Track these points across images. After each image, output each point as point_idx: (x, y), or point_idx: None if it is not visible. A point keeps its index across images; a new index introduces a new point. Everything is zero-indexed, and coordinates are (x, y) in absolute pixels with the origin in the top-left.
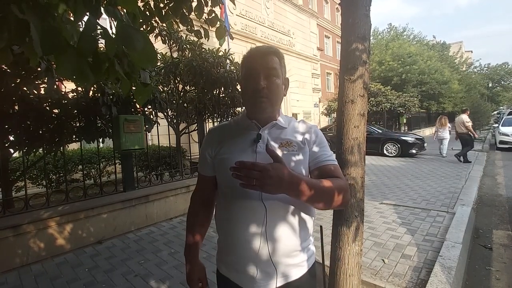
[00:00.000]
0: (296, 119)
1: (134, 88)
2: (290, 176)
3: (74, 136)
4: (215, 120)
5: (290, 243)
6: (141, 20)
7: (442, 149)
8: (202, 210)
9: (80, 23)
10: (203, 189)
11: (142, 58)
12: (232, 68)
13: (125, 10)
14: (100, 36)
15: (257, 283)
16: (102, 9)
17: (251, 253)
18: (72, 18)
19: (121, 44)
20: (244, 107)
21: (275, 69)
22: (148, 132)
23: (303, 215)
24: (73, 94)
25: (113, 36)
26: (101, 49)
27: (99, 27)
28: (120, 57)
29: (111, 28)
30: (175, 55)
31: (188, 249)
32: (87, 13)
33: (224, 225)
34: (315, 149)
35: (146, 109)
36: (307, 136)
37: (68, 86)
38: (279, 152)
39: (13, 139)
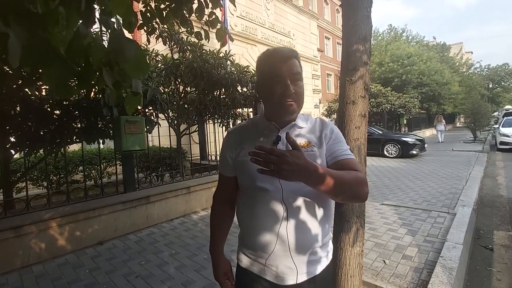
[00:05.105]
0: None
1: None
2: (306, 163)
3: (75, 137)
4: (215, 121)
5: (310, 240)
6: (141, 22)
7: (439, 138)
8: (225, 208)
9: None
10: (225, 188)
11: (133, 67)
12: (232, 69)
13: (121, 19)
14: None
15: (279, 278)
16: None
17: (272, 249)
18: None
19: (113, 54)
20: (260, 109)
21: (299, 73)
22: (149, 133)
23: (323, 214)
24: (74, 95)
25: (104, 45)
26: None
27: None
28: (112, 65)
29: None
30: (176, 56)
31: (213, 246)
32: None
33: (246, 222)
34: (332, 144)
35: (147, 110)
36: (324, 133)
37: None
38: None
39: (14, 140)
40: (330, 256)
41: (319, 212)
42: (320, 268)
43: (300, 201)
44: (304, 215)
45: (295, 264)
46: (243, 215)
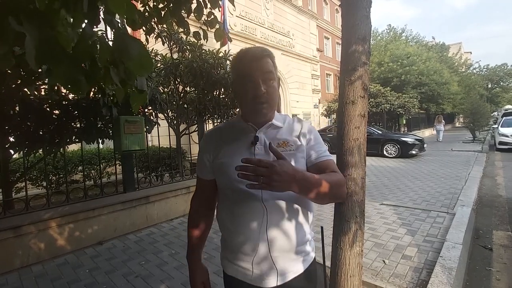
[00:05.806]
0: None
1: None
2: (294, 172)
3: (74, 137)
4: (215, 121)
5: (290, 241)
6: (140, 22)
7: (438, 137)
8: (203, 213)
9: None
10: (203, 192)
11: (138, 66)
12: None
13: (124, 19)
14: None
15: (260, 280)
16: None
17: (253, 251)
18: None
19: (117, 53)
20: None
21: (272, 73)
22: (149, 133)
23: (302, 213)
24: (73, 95)
25: (110, 44)
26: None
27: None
28: (117, 64)
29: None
30: (175, 56)
31: (190, 252)
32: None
33: (227, 224)
34: (310, 146)
35: (146, 110)
36: (302, 134)
37: None
38: None
39: (13, 140)
40: (313, 255)
41: (299, 211)
42: (300, 269)
43: (279, 202)
44: (283, 215)
45: (275, 265)
46: (223, 218)
